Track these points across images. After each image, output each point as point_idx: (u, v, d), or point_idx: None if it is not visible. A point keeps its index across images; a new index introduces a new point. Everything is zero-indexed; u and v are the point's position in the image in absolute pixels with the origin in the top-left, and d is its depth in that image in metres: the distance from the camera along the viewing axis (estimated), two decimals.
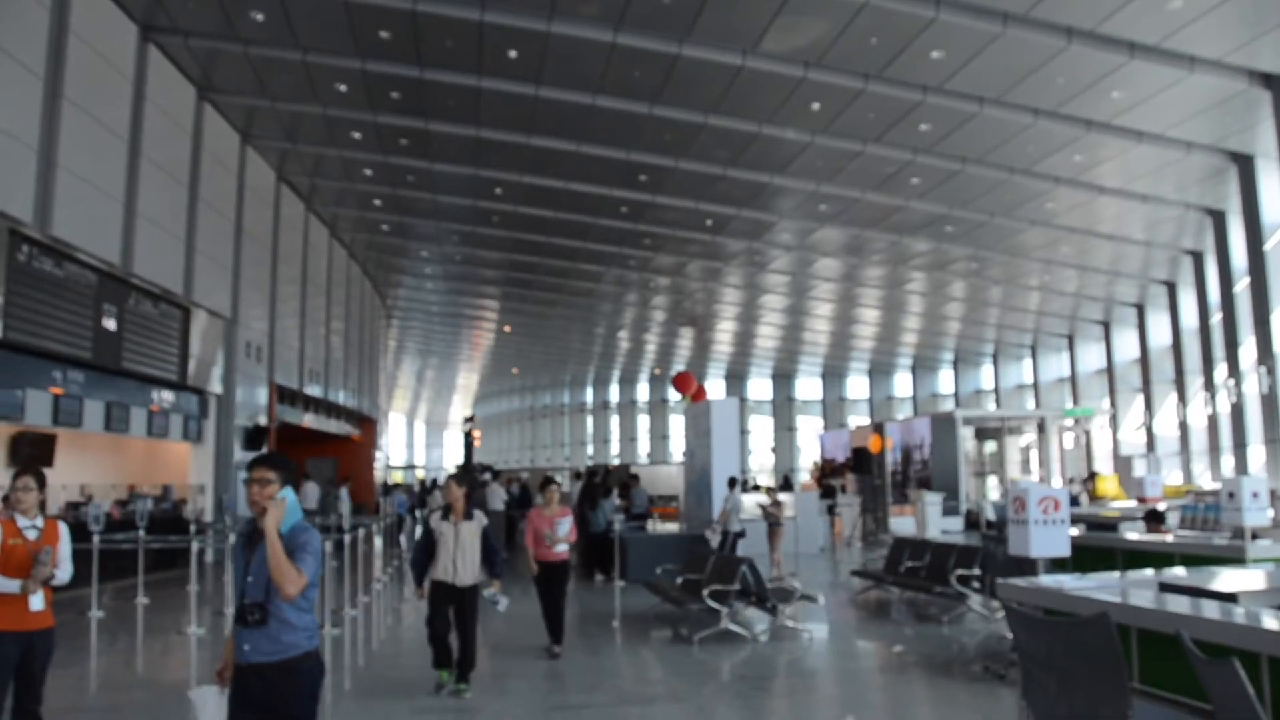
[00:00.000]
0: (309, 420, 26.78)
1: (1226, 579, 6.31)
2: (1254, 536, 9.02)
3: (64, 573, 5.83)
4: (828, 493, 26.23)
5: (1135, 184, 20.30)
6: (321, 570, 4.36)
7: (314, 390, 26.91)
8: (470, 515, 8.20)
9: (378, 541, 14.05)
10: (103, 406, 16.11)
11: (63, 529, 5.95)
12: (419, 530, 9.15)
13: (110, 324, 15.74)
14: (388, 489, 34.63)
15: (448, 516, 8.19)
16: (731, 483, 16.44)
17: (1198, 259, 23.99)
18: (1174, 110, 16.79)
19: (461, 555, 8.05)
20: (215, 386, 20.12)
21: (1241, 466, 21.17)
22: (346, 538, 11.27)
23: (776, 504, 17.30)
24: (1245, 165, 18.55)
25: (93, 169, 14.73)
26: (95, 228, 14.94)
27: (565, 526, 9.77)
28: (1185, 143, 18.21)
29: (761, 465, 50.35)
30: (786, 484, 33.80)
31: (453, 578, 8.02)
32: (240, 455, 20.90)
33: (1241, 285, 20.22)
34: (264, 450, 22.09)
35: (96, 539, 12.37)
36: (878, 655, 10.35)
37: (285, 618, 4.07)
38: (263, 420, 22.24)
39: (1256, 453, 20.42)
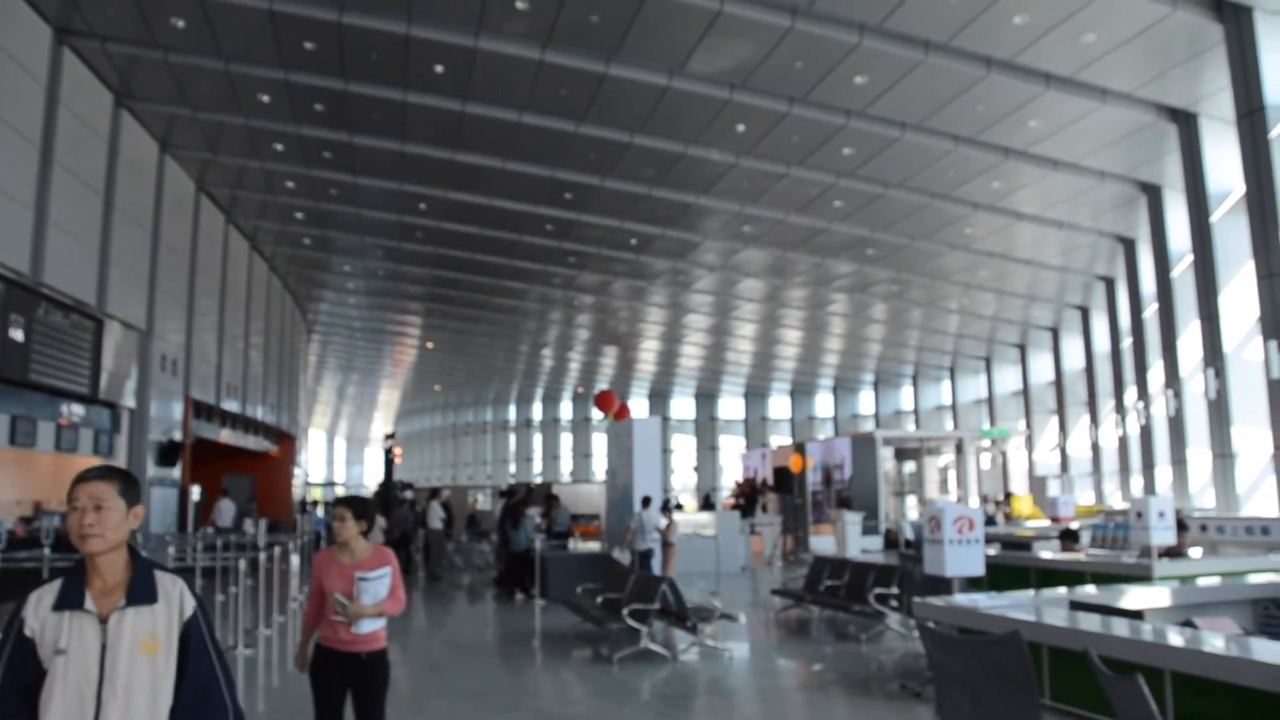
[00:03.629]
0: (226, 436, 26.22)
1: (1134, 596, 6.48)
2: (1160, 555, 9.27)
3: None
4: (743, 512, 26.38)
5: (1051, 211, 20.84)
6: None
7: (231, 405, 26.36)
8: (147, 593, 2.75)
9: (294, 560, 13.81)
10: (8, 420, 15.57)
11: None
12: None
13: (17, 334, 15.24)
14: (305, 506, 34.06)
15: (77, 599, 2.70)
16: (645, 502, 16.41)
17: (1109, 285, 24.70)
18: (1088, 140, 17.30)
19: (112, 704, 2.60)
20: (129, 400, 19.59)
21: (1150, 487, 21.75)
22: (262, 556, 11.07)
23: (668, 525, 17.22)
24: (1154, 195, 19.17)
25: (1, 175, 14.28)
26: (3, 235, 14.46)
27: (381, 586, 5.15)
28: (1099, 172, 18.75)
29: (684, 484, 50.50)
30: (707, 503, 33.95)
31: None
32: (154, 471, 20.38)
33: (1150, 311, 20.85)
34: None
35: None
36: (797, 674, 10.41)
37: None
38: (178, 435, 21.72)
39: (1164, 473, 21.00)
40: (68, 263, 16.47)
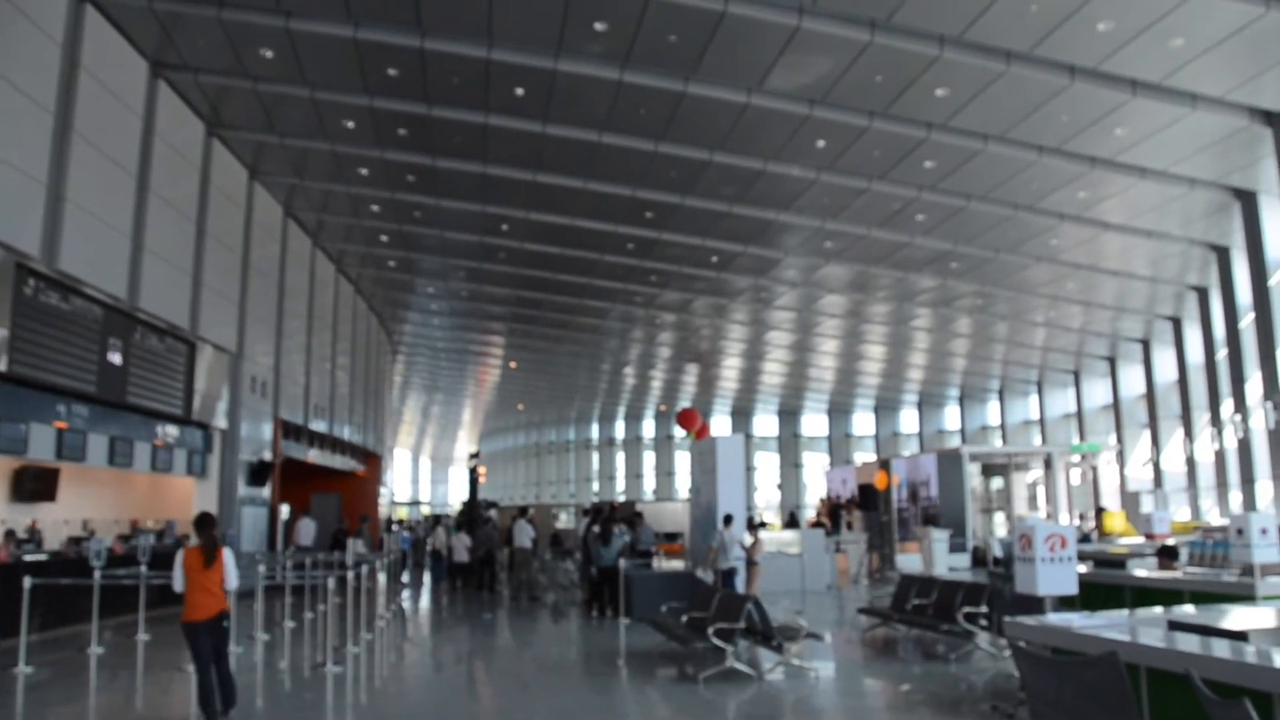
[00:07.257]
0: (314, 456, 26.73)
1: (1236, 617, 6.26)
2: (1263, 574, 8.96)
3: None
4: (828, 529, 26.08)
5: (1139, 220, 20.34)
6: None
7: (319, 425, 26.88)
8: None
9: (381, 579, 13.99)
10: (107, 441, 16.09)
11: None
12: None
13: (115, 358, 15.75)
14: (391, 525, 34.53)
15: None
16: (727, 520, 16.27)
17: (1203, 294, 24.00)
18: (1177, 147, 16.85)
19: None
20: (220, 421, 20.10)
21: (1250, 502, 21.07)
22: (350, 574, 11.24)
23: (753, 543, 17.05)
24: (1248, 201, 18.59)
25: (101, 204, 14.80)
26: (102, 262, 14.99)
27: None
28: (1188, 179, 18.26)
29: (768, 502, 50.15)
30: (792, 521, 33.66)
31: None
32: (245, 490, 20.85)
33: (1247, 321, 20.21)
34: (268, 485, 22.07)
35: (98, 574, 12.34)
36: (885, 694, 10.25)
37: None
38: (267, 455, 22.21)
39: (1264, 488, 20.33)
40: (163, 288, 16.99)
